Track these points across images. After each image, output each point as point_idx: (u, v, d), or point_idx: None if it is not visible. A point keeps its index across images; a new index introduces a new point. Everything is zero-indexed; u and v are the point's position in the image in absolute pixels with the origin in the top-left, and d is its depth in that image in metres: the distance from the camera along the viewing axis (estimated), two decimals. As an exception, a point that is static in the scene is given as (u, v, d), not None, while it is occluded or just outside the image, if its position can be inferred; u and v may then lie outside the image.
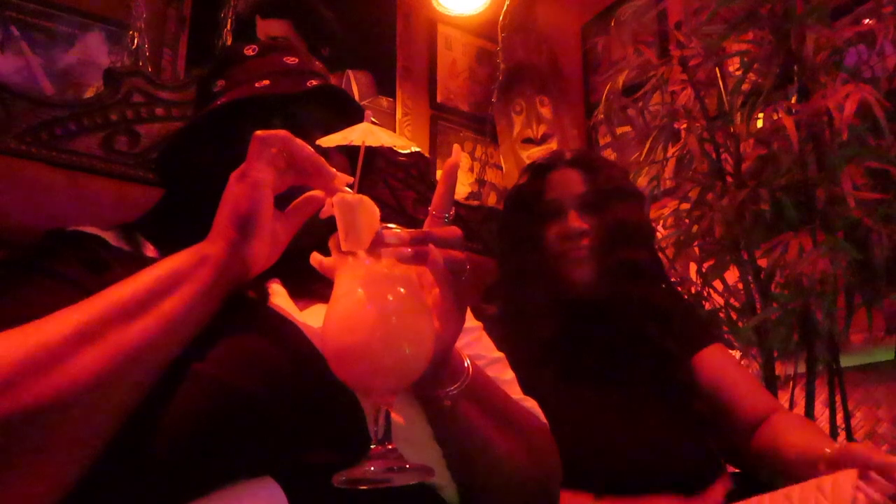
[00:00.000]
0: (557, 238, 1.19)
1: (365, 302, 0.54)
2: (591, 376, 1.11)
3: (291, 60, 0.88)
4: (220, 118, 0.83)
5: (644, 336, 1.14)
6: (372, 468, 0.51)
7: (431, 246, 0.57)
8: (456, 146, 0.68)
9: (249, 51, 0.89)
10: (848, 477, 0.75)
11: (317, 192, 0.68)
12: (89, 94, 1.87)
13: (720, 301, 1.54)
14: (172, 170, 0.90)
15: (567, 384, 1.09)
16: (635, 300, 1.16)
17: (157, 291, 0.58)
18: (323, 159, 0.65)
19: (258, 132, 0.65)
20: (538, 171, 1.26)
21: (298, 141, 0.65)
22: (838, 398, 1.44)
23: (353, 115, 0.85)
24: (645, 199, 1.38)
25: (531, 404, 0.83)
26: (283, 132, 0.65)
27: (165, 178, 0.93)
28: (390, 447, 0.53)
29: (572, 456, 0.84)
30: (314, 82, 0.84)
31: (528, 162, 2.57)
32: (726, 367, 1.19)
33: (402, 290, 0.55)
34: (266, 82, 0.83)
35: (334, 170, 0.65)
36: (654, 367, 1.12)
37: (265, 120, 0.81)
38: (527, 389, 0.86)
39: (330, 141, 0.60)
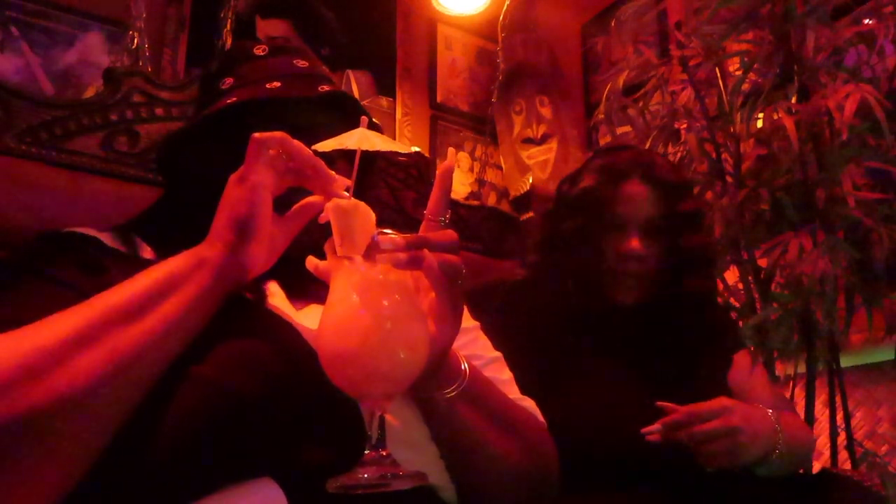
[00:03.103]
0: (614, 254, 1.14)
1: (359, 307, 0.54)
2: (618, 376, 1.11)
3: (302, 64, 0.87)
4: (229, 116, 0.82)
5: (678, 352, 1.14)
6: (366, 474, 0.51)
7: (426, 251, 0.57)
8: (451, 149, 0.68)
9: (259, 50, 0.88)
10: None
11: (316, 198, 0.68)
12: (89, 94, 1.86)
13: (720, 301, 1.54)
14: (172, 167, 0.90)
15: (589, 378, 1.10)
16: (676, 321, 1.15)
17: (154, 294, 0.58)
18: (321, 161, 0.64)
19: (256, 134, 0.64)
20: (611, 177, 1.17)
21: (297, 143, 0.65)
22: (838, 398, 1.44)
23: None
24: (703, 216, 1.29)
25: (529, 404, 0.83)
26: (280, 133, 0.64)
27: (166, 175, 0.92)
28: (384, 453, 0.53)
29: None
30: (325, 88, 0.84)
31: (528, 163, 2.60)
32: (749, 373, 1.20)
33: (396, 295, 0.55)
34: (277, 84, 0.82)
35: (333, 172, 0.65)
36: (687, 382, 1.12)
37: (274, 121, 0.80)
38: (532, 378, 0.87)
39: (326, 146, 0.60)
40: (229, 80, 0.86)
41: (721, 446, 0.97)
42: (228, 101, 0.82)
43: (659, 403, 0.99)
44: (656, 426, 0.98)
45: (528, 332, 1.11)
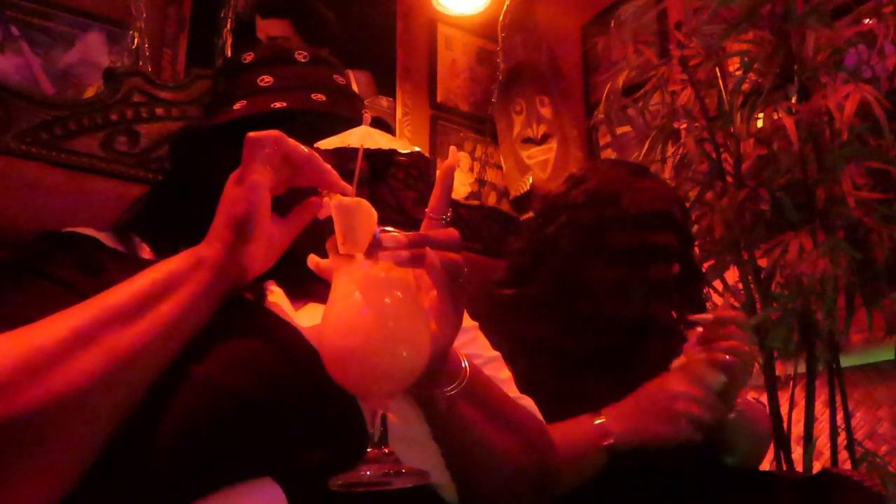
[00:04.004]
0: (655, 278, 1.12)
1: (362, 305, 0.54)
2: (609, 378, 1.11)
3: (340, 80, 0.88)
4: (264, 118, 0.79)
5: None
6: (368, 472, 0.51)
7: (428, 249, 0.57)
8: (453, 148, 0.68)
9: (300, 56, 0.87)
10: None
11: (315, 199, 0.69)
12: (89, 94, 1.86)
13: (720, 301, 1.54)
14: (185, 156, 0.88)
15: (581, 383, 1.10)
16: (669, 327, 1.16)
17: (153, 294, 0.59)
18: (317, 155, 0.65)
19: (250, 133, 0.64)
20: (663, 202, 1.16)
21: (291, 141, 0.65)
22: (838, 398, 1.44)
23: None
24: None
25: (528, 402, 0.83)
26: (275, 132, 0.65)
27: (176, 165, 0.91)
28: (386, 451, 0.53)
29: None
30: (368, 113, 0.84)
31: (528, 162, 2.60)
32: None
33: (399, 293, 0.55)
34: (321, 97, 0.82)
35: (329, 167, 0.65)
36: None
37: (311, 133, 0.75)
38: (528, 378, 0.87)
39: (328, 143, 0.60)
40: (268, 79, 0.84)
41: (741, 363, 0.98)
42: (277, 104, 0.80)
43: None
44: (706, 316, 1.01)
45: (520, 341, 1.10)
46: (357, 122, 0.79)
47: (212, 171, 0.76)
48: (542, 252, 1.19)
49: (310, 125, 0.80)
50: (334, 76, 0.88)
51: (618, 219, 1.14)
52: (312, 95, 0.82)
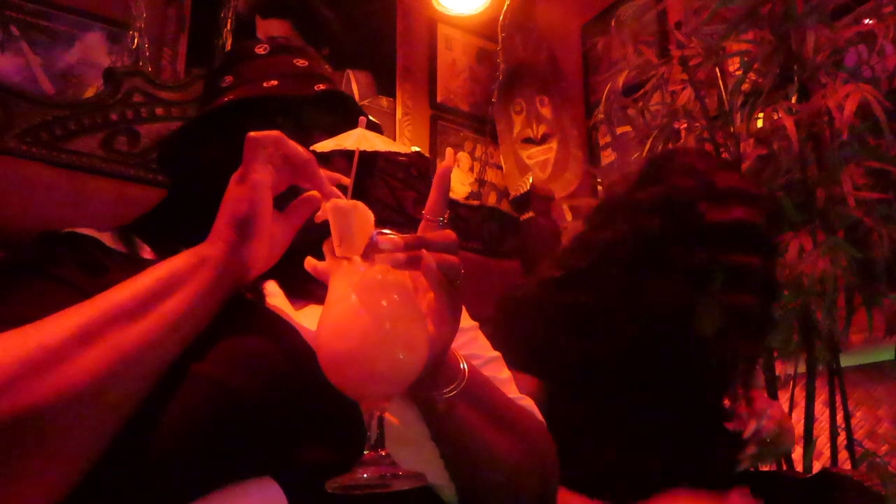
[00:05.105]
0: (730, 307, 0.96)
1: (358, 308, 0.54)
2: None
3: (301, 63, 0.88)
4: (226, 114, 0.83)
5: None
6: (365, 475, 0.51)
7: (425, 251, 0.57)
8: (449, 150, 0.68)
9: (261, 49, 0.89)
10: None
11: (314, 194, 0.69)
12: (89, 94, 1.86)
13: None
14: (173, 165, 0.91)
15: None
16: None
17: (157, 292, 0.59)
18: (314, 163, 0.65)
19: (251, 133, 0.65)
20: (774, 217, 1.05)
21: (292, 143, 0.66)
22: (838, 398, 1.44)
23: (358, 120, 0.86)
24: None
25: (528, 403, 0.83)
26: (275, 133, 0.65)
27: (167, 173, 0.94)
28: (383, 453, 0.53)
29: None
30: (321, 87, 0.85)
31: (528, 162, 2.60)
32: None
33: (395, 296, 0.55)
34: (274, 83, 0.83)
35: (322, 174, 0.65)
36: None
37: (271, 119, 0.81)
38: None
39: (324, 146, 0.60)
40: (229, 79, 0.87)
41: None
42: (226, 98, 0.82)
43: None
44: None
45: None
46: (319, 97, 0.82)
47: (195, 171, 0.81)
48: (597, 259, 1.05)
49: (273, 113, 0.82)
50: (294, 61, 0.88)
51: (689, 231, 0.98)
52: (264, 83, 0.83)
